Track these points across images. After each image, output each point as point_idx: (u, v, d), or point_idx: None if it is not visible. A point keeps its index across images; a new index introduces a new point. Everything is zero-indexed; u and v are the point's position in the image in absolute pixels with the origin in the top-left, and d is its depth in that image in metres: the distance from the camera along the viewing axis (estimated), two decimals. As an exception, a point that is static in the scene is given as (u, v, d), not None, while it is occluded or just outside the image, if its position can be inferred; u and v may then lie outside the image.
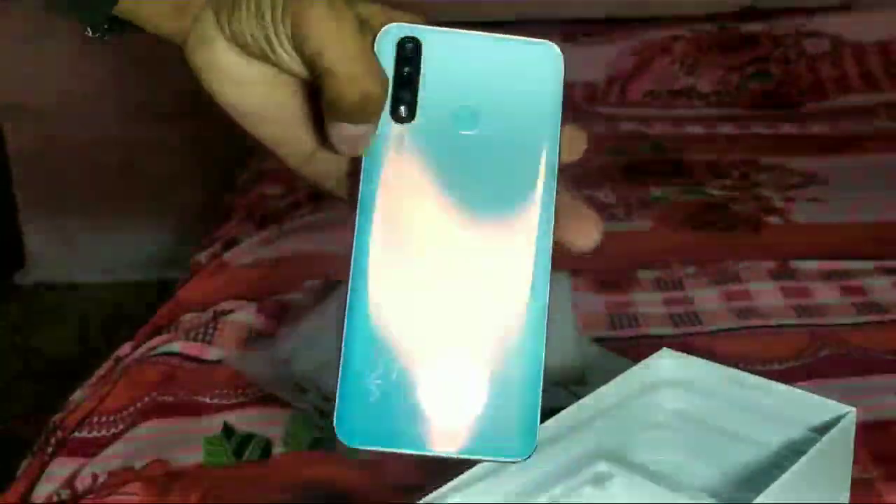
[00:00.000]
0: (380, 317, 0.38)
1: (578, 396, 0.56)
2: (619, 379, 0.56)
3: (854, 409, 0.53)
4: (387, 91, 0.37)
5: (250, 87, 0.40)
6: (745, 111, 1.84)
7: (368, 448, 0.37)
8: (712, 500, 0.50)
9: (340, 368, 0.37)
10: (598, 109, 1.86)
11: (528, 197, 0.39)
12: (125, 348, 1.06)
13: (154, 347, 1.02)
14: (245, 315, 1.06)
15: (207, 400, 0.91)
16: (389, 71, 0.38)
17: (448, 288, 0.38)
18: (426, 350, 0.38)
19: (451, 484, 0.47)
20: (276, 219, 1.42)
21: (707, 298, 1.08)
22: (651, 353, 0.59)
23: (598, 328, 1.01)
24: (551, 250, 0.39)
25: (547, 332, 0.38)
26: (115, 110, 2.44)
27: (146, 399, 0.92)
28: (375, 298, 0.38)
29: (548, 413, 0.51)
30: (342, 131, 0.37)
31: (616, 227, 1.31)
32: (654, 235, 1.28)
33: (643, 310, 1.06)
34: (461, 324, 0.38)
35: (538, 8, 1.95)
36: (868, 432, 0.76)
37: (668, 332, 1.01)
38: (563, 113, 0.39)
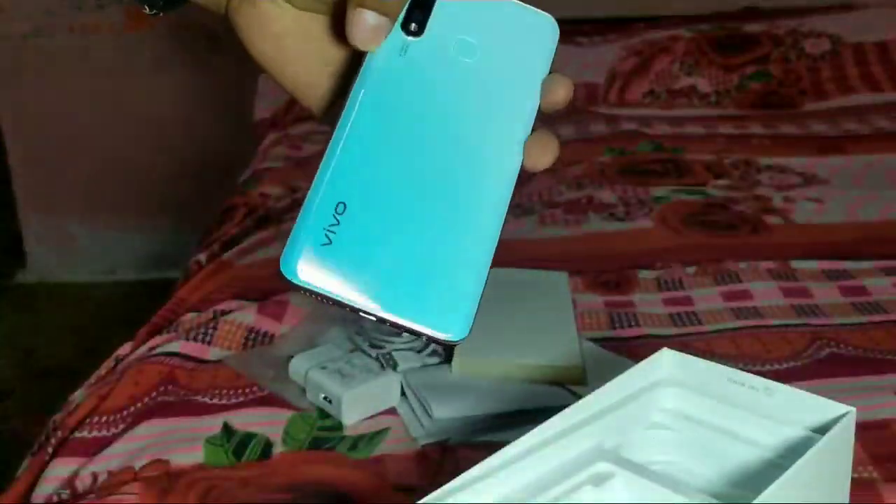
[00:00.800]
0: (348, 178, 0.41)
1: (578, 396, 0.56)
2: (619, 379, 0.56)
3: (854, 409, 0.53)
4: None
5: (285, 38, 0.45)
6: (745, 111, 1.84)
7: (305, 288, 0.39)
8: (712, 500, 0.50)
9: (301, 211, 0.40)
10: (598, 109, 1.86)
11: (506, 125, 0.43)
12: (125, 348, 1.06)
13: (154, 347, 1.02)
14: (245, 315, 1.06)
15: (207, 400, 0.92)
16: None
17: (417, 170, 0.42)
18: (384, 216, 0.41)
19: (451, 484, 0.47)
20: (276, 219, 1.42)
21: (707, 298, 1.08)
22: (651, 353, 0.59)
23: (598, 328, 1.01)
24: (518, 169, 0.43)
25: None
26: (115, 110, 2.44)
27: (146, 399, 0.92)
28: (348, 163, 0.41)
29: (548, 413, 0.51)
30: (362, 21, 0.41)
31: (616, 227, 1.31)
32: (654, 235, 1.28)
33: (643, 310, 1.06)
34: (423, 201, 0.41)
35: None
36: (868, 432, 0.76)
37: (668, 332, 1.01)
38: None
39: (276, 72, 0.46)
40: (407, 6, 0.43)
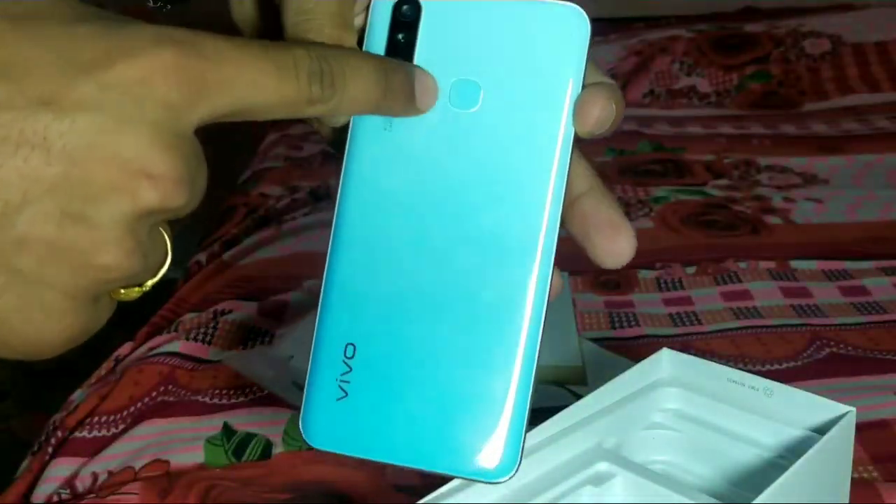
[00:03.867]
0: (351, 312, 0.35)
1: (578, 396, 0.56)
2: (619, 379, 0.56)
3: (854, 409, 0.53)
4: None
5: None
6: (745, 111, 1.84)
7: (333, 451, 0.35)
8: (712, 500, 0.50)
9: (310, 361, 0.35)
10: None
11: (532, 187, 0.34)
12: (125, 348, 1.06)
13: (154, 347, 1.02)
14: (245, 315, 1.06)
15: (207, 400, 0.91)
16: (383, 37, 0.35)
17: (429, 286, 0.34)
18: (400, 350, 0.34)
19: (451, 484, 0.47)
20: (276, 219, 1.42)
21: (707, 298, 1.08)
22: (651, 353, 0.59)
23: (598, 328, 1.01)
24: (553, 254, 0.35)
25: (545, 336, 0.35)
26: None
27: (146, 399, 0.92)
28: (348, 293, 0.35)
29: (548, 413, 0.51)
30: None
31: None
32: (655, 235, 1.28)
33: (643, 310, 1.06)
34: (443, 326, 0.34)
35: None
36: (868, 432, 0.76)
37: (668, 332, 1.01)
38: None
39: None
40: (385, 51, 0.35)
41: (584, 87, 0.34)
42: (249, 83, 0.29)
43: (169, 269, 0.31)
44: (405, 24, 0.35)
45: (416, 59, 0.35)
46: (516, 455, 0.34)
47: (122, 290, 0.31)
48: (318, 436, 0.35)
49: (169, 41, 0.28)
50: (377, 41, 0.35)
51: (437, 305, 0.34)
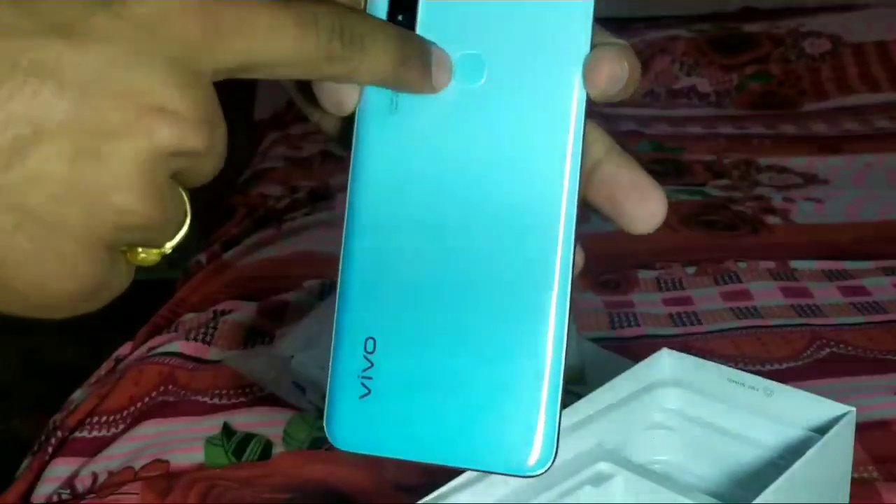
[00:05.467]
0: (369, 304, 0.33)
1: (578, 396, 0.56)
2: (619, 379, 0.56)
3: (854, 409, 0.53)
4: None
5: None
6: (745, 111, 1.84)
7: (360, 452, 0.33)
8: (712, 500, 0.50)
9: (330, 359, 0.34)
10: (597, 109, 1.86)
11: (548, 157, 0.33)
12: (125, 348, 1.06)
13: (154, 347, 1.02)
14: (245, 315, 1.06)
15: (207, 400, 0.91)
16: (382, 14, 0.34)
17: (450, 272, 0.33)
18: (423, 342, 0.33)
19: (451, 484, 0.47)
20: (276, 219, 1.42)
21: (707, 298, 1.08)
22: (651, 353, 0.59)
23: (598, 328, 1.01)
24: (575, 227, 0.33)
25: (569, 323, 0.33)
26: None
27: (146, 399, 0.92)
28: (364, 283, 0.33)
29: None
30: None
31: (616, 227, 1.30)
32: (654, 235, 1.26)
33: (643, 310, 1.06)
34: (466, 312, 0.33)
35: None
36: (868, 432, 0.76)
37: (668, 332, 1.01)
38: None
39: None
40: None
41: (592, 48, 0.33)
42: (268, 31, 0.28)
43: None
44: (403, 1, 0.34)
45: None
46: (552, 445, 0.32)
47: (141, 252, 0.30)
48: (343, 437, 0.33)
49: None
50: (378, 13, 0.34)
51: (459, 291, 0.33)
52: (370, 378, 0.33)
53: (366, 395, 0.33)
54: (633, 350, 0.95)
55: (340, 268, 0.34)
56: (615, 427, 0.56)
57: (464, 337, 0.33)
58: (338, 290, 0.34)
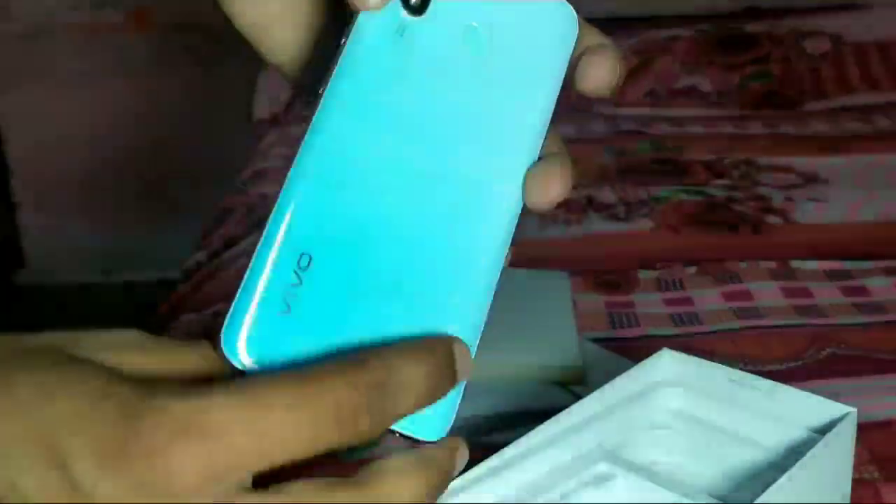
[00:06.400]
0: (315, 217, 0.32)
1: (578, 396, 0.56)
2: (619, 379, 0.56)
3: (854, 409, 0.53)
4: None
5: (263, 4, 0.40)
6: (745, 111, 1.84)
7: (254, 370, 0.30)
8: (713, 501, 0.50)
9: (249, 266, 0.31)
10: (598, 109, 1.86)
11: (510, 146, 0.35)
12: (125, 348, 1.06)
13: (154, 347, 1.01)
14: (245, 315, 1.06)
15: (207, 400, 0.91)
16: None
17: (401, 213, 0.33)
18: (359, 275, 0.32)
19: (451, 484, 0.47)
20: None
21: (707, 298, 1.08)
22: (651, 353, 0.59)
23: (598, 328, 1.01)
24: (518, 207, 0.35)
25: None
26: (115, 111, 2.44)
27: (146, 399, 0.92)
28: (316, 194, 0.32)
29: (548, 414, 0.51)
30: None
31: (616, 227, 1.31)
32: (655, 235, 1.28)
33: (643, 310, 1.06)
34: (405, 262, 0.33)
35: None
36: (869, 432, 0.76)
37: (669, 332, 1.00)
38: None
39: (251, 34, 0.41)
40: None
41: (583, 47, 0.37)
42: (279, 443, 0.30)
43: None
44: None
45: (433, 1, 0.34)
46: (448, 419, 0.35)
47: None
48: (239, 352, 0.30)
49: (183, 437, 0.27)
50: None
51: (405, 239, 0.32)
52: (294, 296, 0.31)
53: (284, 312, 0.30)
54: (634, 350, 0.95)
55: (290, 173, 0.33)
56: (616, 427, 0.56)
57: (401, 279, 0.32)
58: (280, 193, 0.32)
